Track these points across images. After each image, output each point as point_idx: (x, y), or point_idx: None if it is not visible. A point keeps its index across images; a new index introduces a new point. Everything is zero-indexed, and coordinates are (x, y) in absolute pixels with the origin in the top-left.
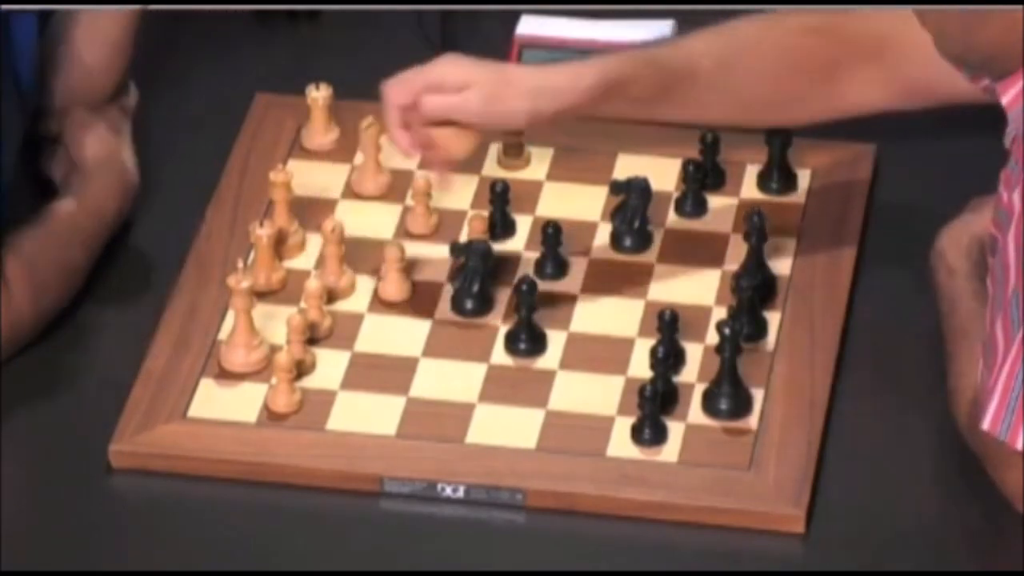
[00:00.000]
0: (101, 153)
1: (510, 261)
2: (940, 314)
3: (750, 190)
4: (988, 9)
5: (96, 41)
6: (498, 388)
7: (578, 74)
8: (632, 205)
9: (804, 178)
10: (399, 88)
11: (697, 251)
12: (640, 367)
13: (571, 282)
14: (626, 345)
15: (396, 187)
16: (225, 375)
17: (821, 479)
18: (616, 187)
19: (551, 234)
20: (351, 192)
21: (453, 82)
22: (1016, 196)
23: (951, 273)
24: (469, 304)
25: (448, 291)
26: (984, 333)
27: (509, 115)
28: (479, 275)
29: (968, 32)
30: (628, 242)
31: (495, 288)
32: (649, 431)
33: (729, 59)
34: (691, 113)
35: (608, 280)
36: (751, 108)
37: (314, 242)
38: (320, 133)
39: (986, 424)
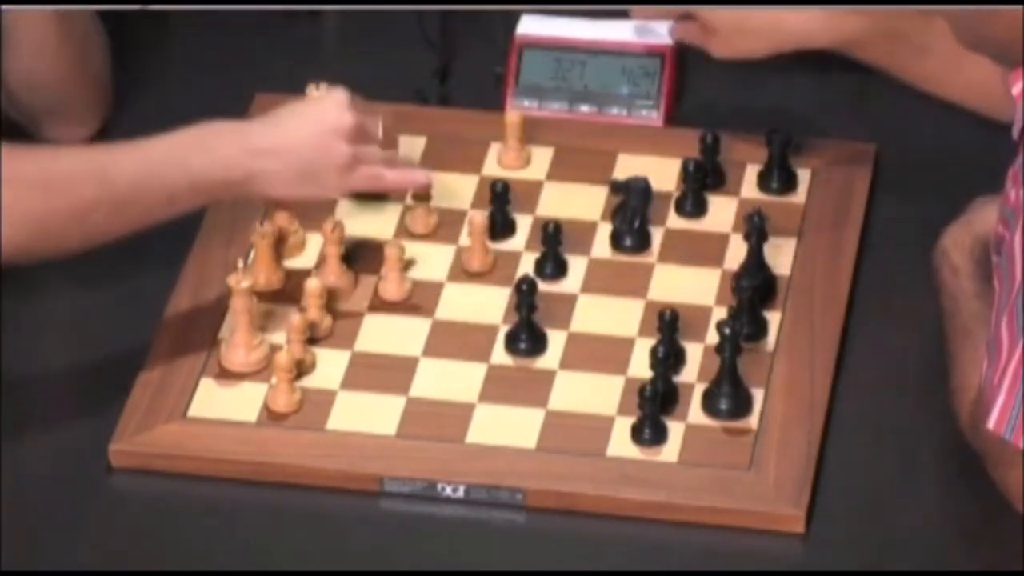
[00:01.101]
0: None
1: (510, 261)
2: (943, 313)
3: (750, 190)
4: (989, 9)
5: (27, 49)
6: (498, 388)
7: (817, 25)
8: (632, 205)
9: (804, 178)
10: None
11: (697, 251)
12: (640, 367)
13: (571, 282)
14: (626, 345)
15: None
16: (225, 375)
17: (821, 479)
18: (616, 187)
19: (551, 234)
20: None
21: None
22: None
23: (955, 272)
24: (629, 240)
25: (449, 290)
26: (987, 333)
27: (743, 56)
28: (639, 213)
29: (980, 22)
30: (628, 242)
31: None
32: (649, 431)
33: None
34: (920, 83)
35: (608, 280)
36: (979, 94)
37: (314, 242)
38: None
39: (991, 423)
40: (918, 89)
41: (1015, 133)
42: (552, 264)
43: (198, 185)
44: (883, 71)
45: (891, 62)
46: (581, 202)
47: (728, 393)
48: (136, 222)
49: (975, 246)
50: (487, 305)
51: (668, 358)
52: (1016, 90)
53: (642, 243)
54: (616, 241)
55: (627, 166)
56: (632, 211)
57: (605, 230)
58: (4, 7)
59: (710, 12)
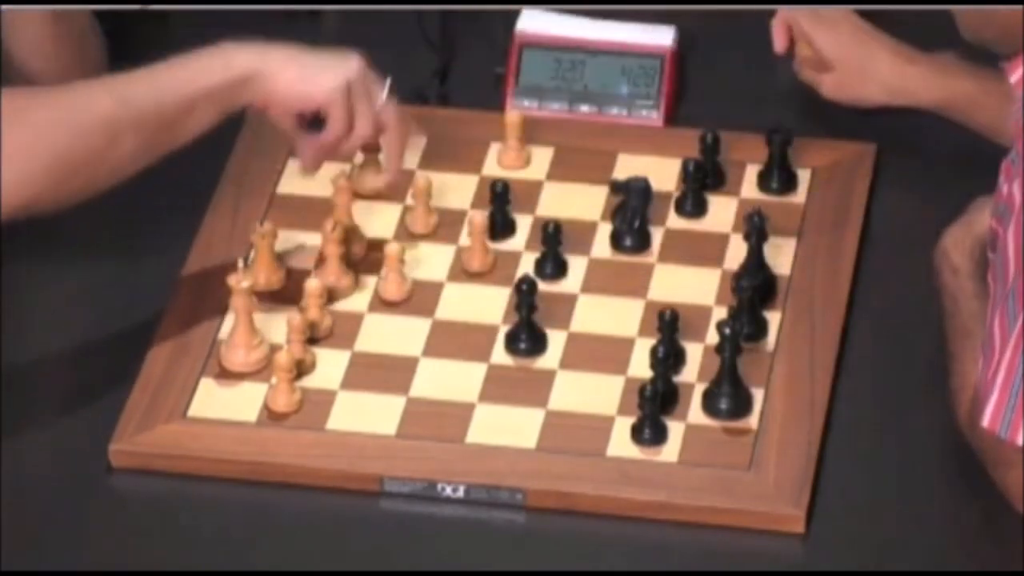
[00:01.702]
0: None
1: (510, 261)
2: (943, 313)
3: (750, 190)
4: (990, 9)
5: (24, 48)
6: (498, 388)
7: (933, 86)
8: (632, 205)
9: (804, 178)
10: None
11: (697, 251)
12: (640, 367)
13: (571, 282)
14: (626, 345)
15: (396, 187)
16: (225, 375)
17: (821, 479)
18: (616, 187)
19: (551, 234)
20: (351, 191)
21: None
22: (1016, 188)
23: (955, 273)
24: (628, 240)
25: (449, 290)
26: (984, 333)
27: (851, 101)
28: (639, 213)
29: (980, 12)
30: (628, 242)
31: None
32: (649, 431)
33: None
34: None
35: (608, 280)
36: None
37: (315, 242)
38: None
39: (985, 421)
40: None
41: (1011, 124)
42: (552, 264)
43: (212, 88)
44: (993, 139)
45: (1002, 127)
46: (581, 202)
47: (728, 393)
48: (159, 141)
49: (975, 246)
50: (487, 305)
51: (668, 358)
52: (1015, 77)
53: (642, 243)
54: (616, 241)
55: (627, 166)
56: (632, 211)
57: (605, 230)
58: (3, 7)
59: (826, 46)
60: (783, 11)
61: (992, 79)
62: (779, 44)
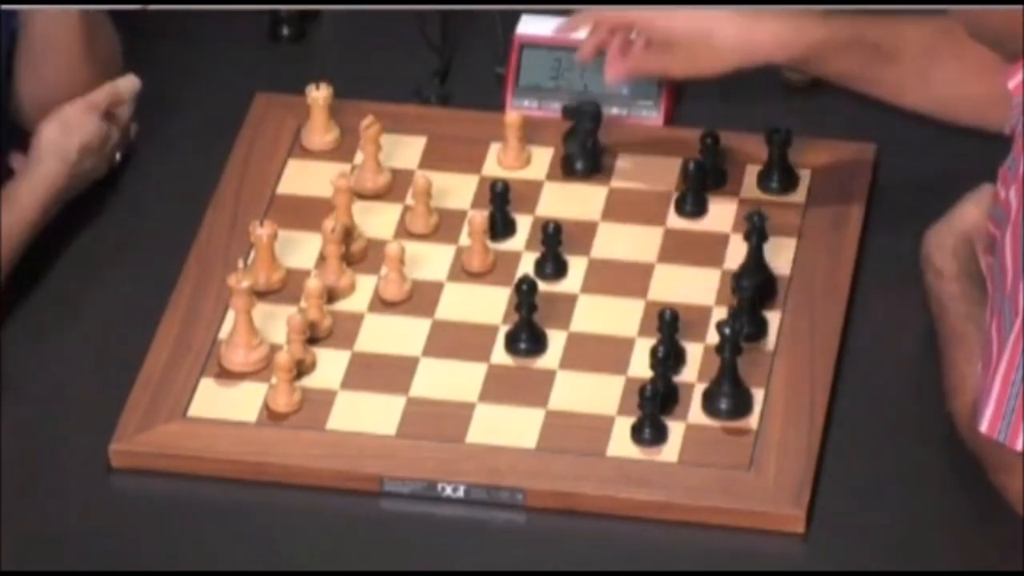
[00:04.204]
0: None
1: (510, 261)
2: (933, 317)
3: (750, 190)
4: (988, 9)
5: (43, 45)
6: (498, 388)
7: (784, 39)
8: (584, 128)
9: (804, 178)
10: (609, 18)
11: (697, 251)
12: (640, 367)
13: (571, 282)
14: (626, 345)
15: (396, 187)
16: (225, 375)
17: (821, 479)
18: (567, 111)
19: (551, 234)
20: (351, 192)
21: (658, 36)
22: (1014, 194)
23: (938, 276)
24: (580, 164)
25: (449, 290)
26: (978, 333)
27: (706, 74)
28: (592, 135)
29: (978, 12)
30: (580, 165)
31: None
32: (649, 431)
33: (937, 48)
34: (887, 94)
35: (608, 280)
36: (949, 103)
37: (315, 242)
38: (320, 133)
39: (983, 427)
40: (888, 103)
41: (1007, 129)
42: (552, 264)
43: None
44: (850, 86)
45: (859, 72)
46: (581, 202)
47: (728, 393)
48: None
49: (957, 246)
50: (487, 305)
51: (668, 358)
52: (1012, 83)
53: (594, 166)
54: (568, 165)
55: (627, 166)
56: (585, 133)
57: (605, 230)
58: (6, 7)
59: (669, 25)
60: (586, 14)
61: (852, 28)
62: (587, 52)
